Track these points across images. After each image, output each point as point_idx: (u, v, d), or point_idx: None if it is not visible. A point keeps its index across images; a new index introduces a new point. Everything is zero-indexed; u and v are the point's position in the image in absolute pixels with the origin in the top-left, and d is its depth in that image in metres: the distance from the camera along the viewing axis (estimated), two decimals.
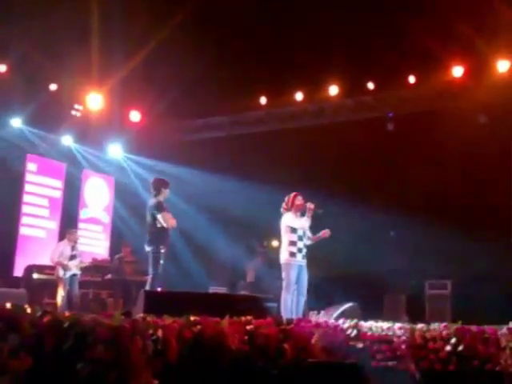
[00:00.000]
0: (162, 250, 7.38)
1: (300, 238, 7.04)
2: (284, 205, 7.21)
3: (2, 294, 7.95)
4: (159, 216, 7.34)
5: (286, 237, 7.09)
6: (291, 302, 6.86)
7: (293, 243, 7.01)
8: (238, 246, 12.90)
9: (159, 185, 7.64)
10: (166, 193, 7.63)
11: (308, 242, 7.18)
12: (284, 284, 6.95)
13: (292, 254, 6.99)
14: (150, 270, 7.35)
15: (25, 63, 10.03)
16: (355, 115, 11.84)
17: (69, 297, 9.54)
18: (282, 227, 7.15)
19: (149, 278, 7.35)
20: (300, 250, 7.01)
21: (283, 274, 7.00)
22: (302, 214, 7.15)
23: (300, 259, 7.01)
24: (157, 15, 9.63)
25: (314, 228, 7.26)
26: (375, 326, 4.43)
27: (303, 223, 7.05)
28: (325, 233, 7.14)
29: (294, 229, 7.05)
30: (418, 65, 10.49)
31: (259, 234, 12.45)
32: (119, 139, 13.09)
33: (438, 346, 4.09)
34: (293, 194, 7.22)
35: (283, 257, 7.05)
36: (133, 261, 10.56)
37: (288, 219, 7.10)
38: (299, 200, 7.16)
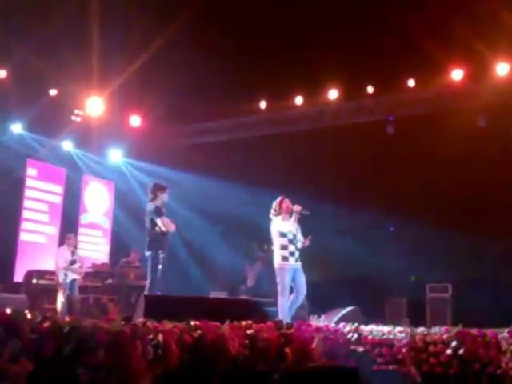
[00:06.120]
0: (161, 255, 7.38)
1: (291, 242, 6.98)
2: (272, 210, 7.17)
3: (2, 300, 7.91)
4: (158, 221, 7.34)
5: (276, 241, 7.03)
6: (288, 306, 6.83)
7: (284, 247, 6.95)
8: (238, 250, 12.88)
9: (156, 189, 7.60)
10: (163, 197, 7.57)
11: (299, 246, 7.08)
12: (279, 288, 6.90)
13: (284, 258, 6.92)
14: (149, 275, 7.34)
15: (25, 69, 10.03)
16: (355, 119, 11.84)
17: (69, 302, 9.52)
18: (271, 232, 7.11)
19: (147, 283, 7.34)
20: (292, 254, 6.94)
21: (277, 279, 6.93)
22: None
23: (293, 262, 6.93)
24: (156, 21, 9.64)
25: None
26: (376, 330, 4.43)
27: (290, 227, 7.01)
28: (307, 241, 7.03)
29: (284, 233, 6.99)
30: (418, 68, 10.50)
31: (259, 238, 12.42)
32: (119, 144, 13.10)
33: (439, 350, 4.08)
34: (279, 199, 7.19)
35: (276, 261, 6.99)
36: (138, 266, 10.55)
37: (276, 224, 7.07)
38: (286, 203, 7.13)
